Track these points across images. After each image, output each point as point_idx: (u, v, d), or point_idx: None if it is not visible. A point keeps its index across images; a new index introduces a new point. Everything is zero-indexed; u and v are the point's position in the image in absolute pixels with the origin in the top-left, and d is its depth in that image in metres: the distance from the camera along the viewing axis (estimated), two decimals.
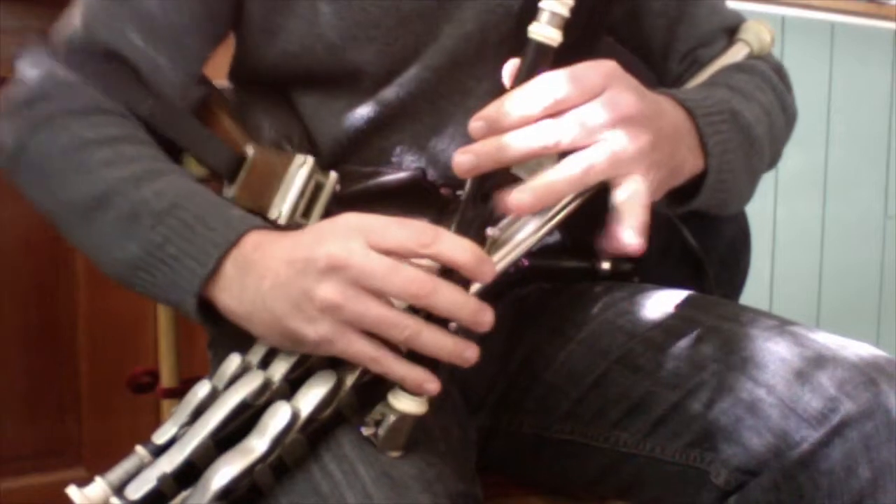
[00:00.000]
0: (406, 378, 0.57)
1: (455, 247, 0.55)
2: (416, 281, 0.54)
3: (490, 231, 0.58)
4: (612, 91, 0.57)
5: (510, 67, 0.58)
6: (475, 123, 0.56)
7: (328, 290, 0.55)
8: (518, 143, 0.56)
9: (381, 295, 0.55)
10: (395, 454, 0.59)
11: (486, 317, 0.56)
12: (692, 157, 0.66)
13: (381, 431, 0.58)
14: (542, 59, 0.57)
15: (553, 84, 0.56)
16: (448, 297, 0.55)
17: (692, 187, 0.68)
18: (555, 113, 0.56)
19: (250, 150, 0.72)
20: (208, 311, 0.62)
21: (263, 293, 0.57)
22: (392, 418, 0.58)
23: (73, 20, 0.72)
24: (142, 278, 0.63)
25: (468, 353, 0.57)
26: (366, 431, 0.58)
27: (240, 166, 0.71)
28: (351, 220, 0.57)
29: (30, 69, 0.70)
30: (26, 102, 0.68)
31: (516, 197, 0.57)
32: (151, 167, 0.65)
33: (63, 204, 0.67)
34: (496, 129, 0.56)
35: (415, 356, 0.57)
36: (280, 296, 0.57)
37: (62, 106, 0.68)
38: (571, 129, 0.56)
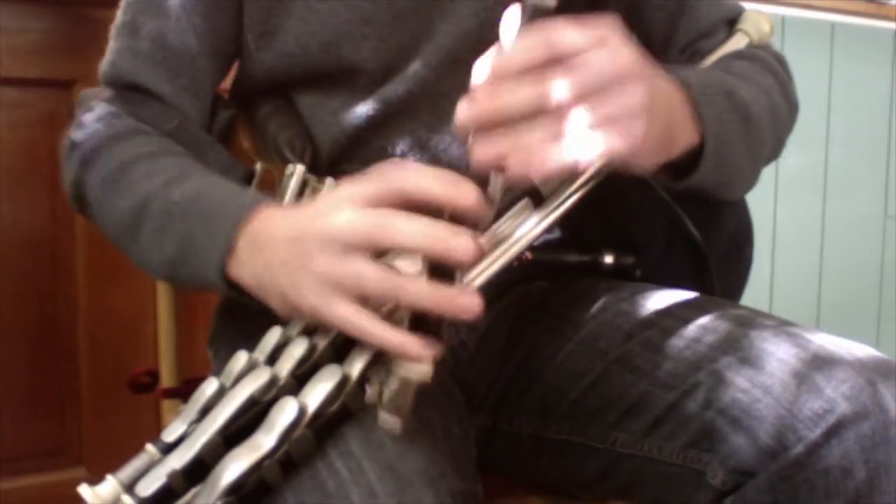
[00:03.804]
0: (402, 346, 0.55)
1: (423, 179, 0.55)
2: (420, 230, 0.54)
3: (491, 190, 0.57)
4: (612, 44, 0.56)
5: (507, 23, 0.57)
6: (477, 72, 0.56)
7: (319, 263, 0.55)
8: (519, 94, 0.54)
9: (379, 255, 0.55)
10: (395, 424, 0.58)
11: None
12: (687, 128, 0.65)
13: (386, 393, 0.57)
14: (540, 12, 0.55)
15: (554, 31, 0.55)
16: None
17: (692, 164, 0.67)
18: (556, 63, 0.55)
19: (258, 166, 0.75)
20: (235, 288, 0.64)
21: (270, 268, 0.59)
22: (396, 383, 0.57)
23: (105, 58, 0.79)
24: (183, 273, 0.66)
25: (460, 300, 0.54)
26: (369, 393, 0.58)
27: (250, 180, 0.75)
28: (343, 192, 0.57)
29: (80, 112, 0.76)
30: (77, 143, 0.74)
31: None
32: (182, 171, 0.69)
33: (116, 224, 0.71)
34: (498, 76, 0.55)
35: (419, 326, 0.56)
36: (284, 272, 0.58)
37: (104, 135, 0.73)
38: (573, 81, 0.54)
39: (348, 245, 0.55)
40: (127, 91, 0.77)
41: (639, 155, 0.59)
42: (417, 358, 0.56)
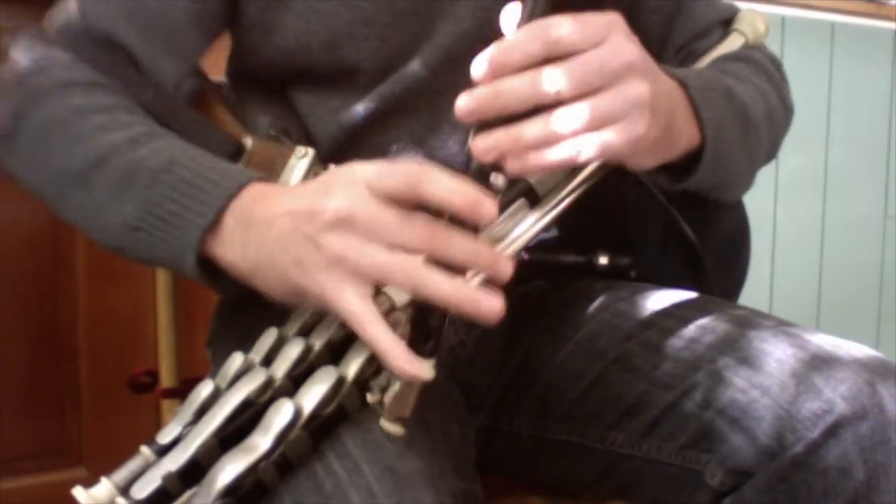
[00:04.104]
0: (387, 353, 0.53)
1: (447, 188, 0.53)
2: (426, 229, 0.52)
3: (494, 178, 0.56)
4: (614, 39, 0.55)
5: (509, 14, 0.57)
6: (478, 65, 0.55)
7: (333, 242, 0.53)
8: (519, 87, 0.54)
9: (390, 246, 0.53)
10: (397, 430, 0.57)
11: (504, 264, 0.54)
12: (688, 129, 0.65)
13: (387, 398, 0.56)
14: (539, 8, 0.56)
15: (555, 24, 0.54)
16: (462, 245, 0.53)
17: (690, 165, 0.67)
18: (557, 58, 0.54)
19: (248, 141, 0.71)
20: (207, 269, 0.60)
21: (268, 246, 0.56)
22: (398, 384, 0.56)
23: (69, 7, 0.72)
24: (138, 239, 0.61)
25: (485, 303, 0.53)
26: (371, 398, 0.58)
27: (238, 156, 0.70)
28: (355, 172, 0.55)
29: (25, 51, 0.69)
30: (23, 78, 0.67)
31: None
32: (148, 130, 0.64)
33: (56, 172, 0.65)
34: (498, 69, 0.54)
35: (419, 327, 0.55)
36: (284, 248, 0.55)
37: (59, 77, 0.66)
38: (574, 76, 0.54)
39: (367, 231, 0.53)
40: (96, 48, 0.70)
41: (639, 152, 0.59)
42: (402, 371, 0.54)
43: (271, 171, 0.70)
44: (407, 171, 0.54)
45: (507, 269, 0.54)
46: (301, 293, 0.56)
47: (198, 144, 0.66)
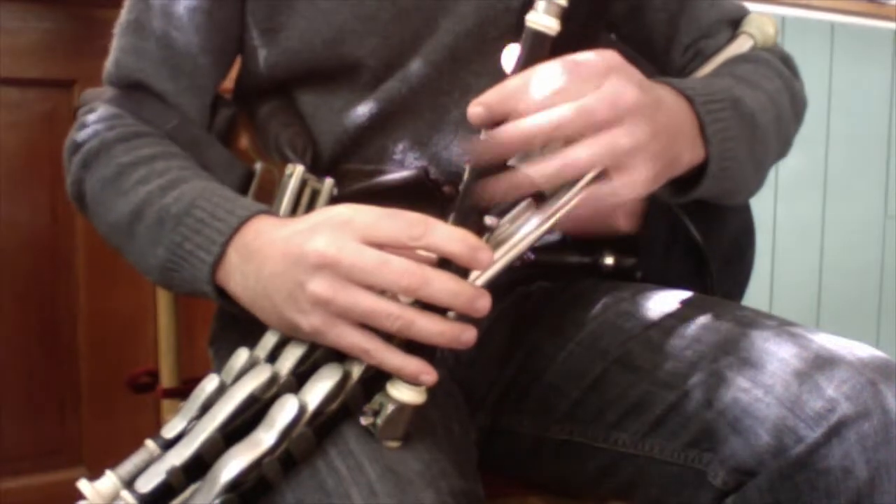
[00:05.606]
0: (402, 369, 0.57)
1: (447, 237, 0.56)
2: (406, 274, 0.55)
3: (489, 220, 0.58)
4: (612, 82, 0.57)
5: (510, 53, 0.59)
6: (474, 109, 0.57)
7: (318, 285, 0.56)
8: (517, 136, 0.56)
9: (373, 288, 0.56)
10: (393, 444, 0.59)
11: (482, 302, 0.56)
12: (691, 147, 0.66)
13: (380, 421, 0.58)
14: (539, 48, 0.57)
15: (553, 74, 0.56)
16: (441, 287, 0.55)
17: (694, 176, 0.68)
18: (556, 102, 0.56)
19: (258, 166, 0.76)
20: (229, 298, 0.64)
21: (263, 281, 0.60)
22: (390, 408, 0.58)
23: (109, 57, 0.80)
24: (173, 277, 0.67)
25: (465, 336, 0.57)
26: (364, 421, 0.59)
27: (250, 180, 0.75)
28: (344, 214, 0.58)
29: (82, 113, 0.78)
30: (78, 144, 0.75)
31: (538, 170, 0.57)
32: (177, 176, 0.69)
33: (112, 226, 0.72)
34: (495, 116, 0.57)
35: (412, 346, 0.57)
36: (276, 285, 0.59)
37: (104, 139, 0.74)
38: (574, 121, 0.56)
39: (351, 274, 0.56)
40: (129, 90, 0.78)
41: (639, 188, 0.60)
42: (419, 381, 0.57)
43: (274, 192, 0.73)
44: (407, 220, 0.56)
45: (486, 306, 0.57)
46: (294, 328, 0.59)
47: (214, 170, 0.73)
